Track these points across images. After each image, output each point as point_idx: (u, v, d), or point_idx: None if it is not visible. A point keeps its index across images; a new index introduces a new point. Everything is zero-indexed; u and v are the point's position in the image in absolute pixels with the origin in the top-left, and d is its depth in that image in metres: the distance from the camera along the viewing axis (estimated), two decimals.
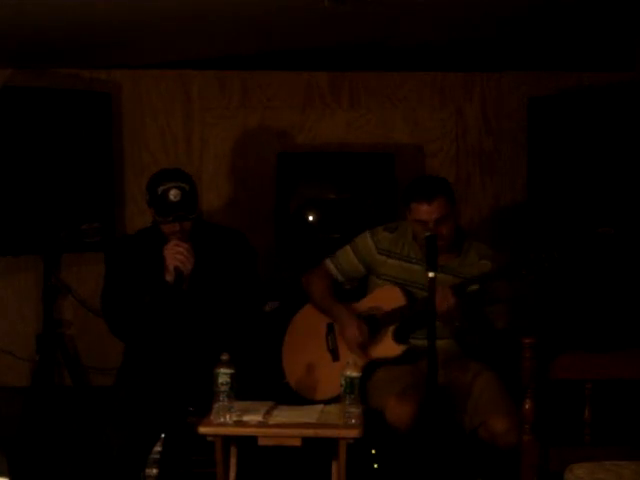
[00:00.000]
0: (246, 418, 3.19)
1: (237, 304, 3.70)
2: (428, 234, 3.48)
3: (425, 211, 3.55)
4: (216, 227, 3.87)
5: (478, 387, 3.51)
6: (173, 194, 3.59)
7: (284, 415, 3.27)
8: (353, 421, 3.16)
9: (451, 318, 3.49)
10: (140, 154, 4.99)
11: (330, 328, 3.80)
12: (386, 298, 3.69)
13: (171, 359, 3.63)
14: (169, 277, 3.57)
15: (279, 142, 4.95)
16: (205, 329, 3.63)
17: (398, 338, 3.66)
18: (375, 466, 3.68)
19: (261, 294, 3.91)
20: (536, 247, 3.47)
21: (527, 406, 3.07)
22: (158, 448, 3.51)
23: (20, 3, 3.77)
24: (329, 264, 3.86)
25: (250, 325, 3.80)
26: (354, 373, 3.19)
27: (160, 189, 3.62)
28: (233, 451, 3.42)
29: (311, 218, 4.72)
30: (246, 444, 3.34)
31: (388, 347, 3.66)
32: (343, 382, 3.18)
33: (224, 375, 3.15)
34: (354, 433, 3.14)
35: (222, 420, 3.16)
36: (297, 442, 3.18)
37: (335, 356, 3.75)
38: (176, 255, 3.57)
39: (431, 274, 3.27)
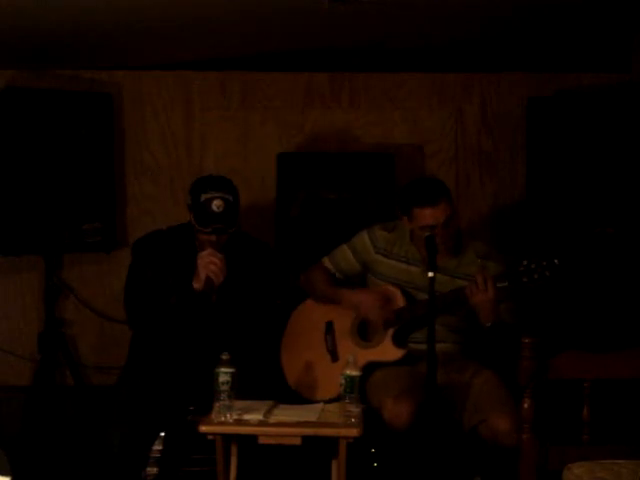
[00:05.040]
0: (246, 417, 3.21)
1: (260, 316, 3.72)
2: (427, 234, 3.49)
3: (431, 215, 3.52)
4: (248, 238, 3.82)
5: (478, 385, 3.52)
6: (216, 204, 3.52)
7: (284, 414, 3.28)
8: (353, 420, 3.17)
9: (489, 308, 3.47)
10: (141, 154, 5.00)
11: (329, 327, 3.81)
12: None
13: (175, 355, 3.63)
14: (197, 285, 3.51)
15: (279, 142, 4.96)
16: (230, 341, 3.58)
17: (397, 342, 3.66)
18: (375, 465, 3.69)
19: (286, 307, 3.93)
20: (536, 254, 3.45)
21: (526, 405, 3.07)
22: (158, 447, 3.53)
23: (21, 4, 3.78)
24: (327, 262, 3.86)
25: (262, 331, 3.80)
26: (354, 372, 3.19)
27: (203, 197, 3.54)
28: (233, 450, 3.44)
29: (311, 218, 4.73)
30: (246, 443, 3.36)
31: (387, 350, 3.66)
32: (343, 381, 3.19)
33: (225, 374, 3.15)
34: (354, 432, 3.15)
35: (223, 419, 3.17)
36: (297, 441, 3.19)
37: (334, 356, 3.76)
38: (210, 265, 3.50)
39: (430, 274, 3.28)
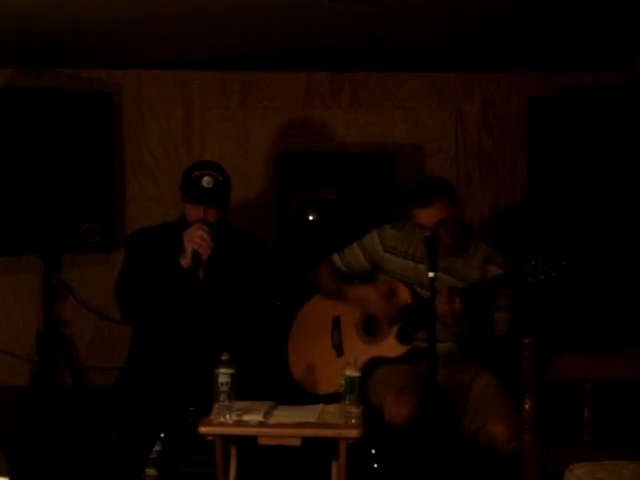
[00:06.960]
0: (246, 418, 3.19)
1: (250, 305, 3.72)
2: (428, 234, 3.48)
3: (424, 215, 3.55)
4: (240, 230, 3.90)
5: (478, 389, 3.51)
6: (206, 180, 3.66)
7: (284, 415, 3.27)
8: (353, 421, 3.16)
9: (453, 321, 3.47)
10: (140, 154, 4.99)
11: (336, 322, 3.82)
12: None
13: (175, 356, 3.63)
14: (185, 261, 3.60)
15: (279, 142, 4.95)
16: (216, 322, 3.64)
17: (401, 338, 3.66)
18: (375, 466, 3.68)
19: (273, 298, 3.95)
20: (542, 254, 3.44)
21: (527, 406, 3.07)
22: (158, 448, 3.51)
23: (21, 4, 3.77)
24: (336, 258, 3.89)
25: (258, 326, 3.81)
26: (354, 373, 3.19)
27: (195, 174, 3.69)
28: (233, 451, 3.43)
29: (311, 218, 4.72)
30: (246, 444, 3.35)
31: (391, 346, 3.67)
32: (343, 382, 3.18)
33: (224, 375, 3.14)
34: (354, 433, 3.13)
35: (222, 420, 3.16)
36: (297, 442, 3.18)
37: (339, 351, 3.78)
38: (195, 238, 3.59)
39: (431, 274, 3.28)
